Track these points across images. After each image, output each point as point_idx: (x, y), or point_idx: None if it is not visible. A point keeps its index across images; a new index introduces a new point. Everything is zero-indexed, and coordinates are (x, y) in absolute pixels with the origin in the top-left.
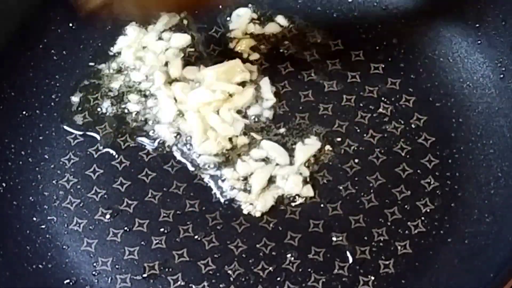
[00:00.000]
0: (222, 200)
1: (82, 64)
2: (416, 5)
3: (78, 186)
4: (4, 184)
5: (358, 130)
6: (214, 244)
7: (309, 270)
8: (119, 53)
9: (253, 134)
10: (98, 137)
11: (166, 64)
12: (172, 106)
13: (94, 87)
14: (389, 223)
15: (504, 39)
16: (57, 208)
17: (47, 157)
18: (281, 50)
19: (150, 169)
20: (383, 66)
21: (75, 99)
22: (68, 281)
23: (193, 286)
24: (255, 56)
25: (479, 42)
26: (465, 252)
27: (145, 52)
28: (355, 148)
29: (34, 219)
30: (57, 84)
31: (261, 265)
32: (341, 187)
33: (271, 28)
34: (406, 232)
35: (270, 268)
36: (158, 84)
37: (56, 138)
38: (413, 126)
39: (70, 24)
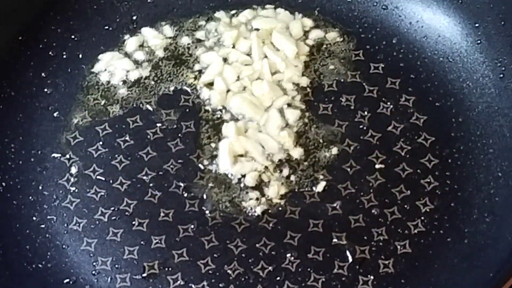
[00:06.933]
0: (222, 199)
1: (82, 63)
2: (416, 4)
3: (78, 186)
4: (4, 184)
5: (358, 130)
6: (214, 243)
7: (309, 269)
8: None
9: None
10: (98, 137)
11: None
12: None
13: (94, 87)
14: (388, 223)
15: (504, 39)
16: (57, 208)
17: (47, 156)
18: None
19: (150, 168)
20: (383, 66)
21: (75, 99)
22: (67, 280)
23: (193, 286)
24: None
25: (479, 42)
26: (464, 251)
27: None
28: (355, 148)
29: (34, 218)
30: (57, 84)
31: (260, 264)
32: (341, 187)
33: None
34: (406, 231)
35: (270, 268)
36: None
37: (56, 138)
38: (412, 126)
39: (70, 24)
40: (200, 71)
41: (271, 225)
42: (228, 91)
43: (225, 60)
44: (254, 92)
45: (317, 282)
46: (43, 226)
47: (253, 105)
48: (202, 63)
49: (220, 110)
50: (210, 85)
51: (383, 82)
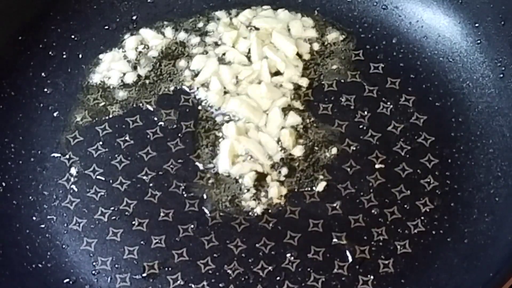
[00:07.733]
0: (222, 199)
1: (82, 63)
2: (416, 4)
3: (78, 186)
4: (4, 184)
5: (358, 130)
6: (214, 243)
7: (309, 269)
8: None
9: None
10: (98, 137)
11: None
12: None
13: (94, 87)
14: (388, 223)
15: (504, 39)
16: (56, 208)
17: (47, 156)
18: None
19: (150, 168)
20: (383, 65)
21: (75, 99)
22: (67, 280)
23: (193, 286)
24: None
25: (478, 42)
26: (464, 251)
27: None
28: (355, 148)
29: (34, 218)
30: (57, 84)
31: (260, 264)
32: (341, 187)
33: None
34: (406, 231)
35: (270, 268)
36: None
37: (56, 138)
38: (412, 126)
39: (70, 24)
40: (198, 72)
41: (271, 225)
42: (225, 92)
43: (222, 60)
44: (252, 94)
45: (317, 282)
46: (43, 226)
47: (252, 107)
48: (192, 65)
49: (220, 111)
50: (207, 85)
51: (383, 82)
